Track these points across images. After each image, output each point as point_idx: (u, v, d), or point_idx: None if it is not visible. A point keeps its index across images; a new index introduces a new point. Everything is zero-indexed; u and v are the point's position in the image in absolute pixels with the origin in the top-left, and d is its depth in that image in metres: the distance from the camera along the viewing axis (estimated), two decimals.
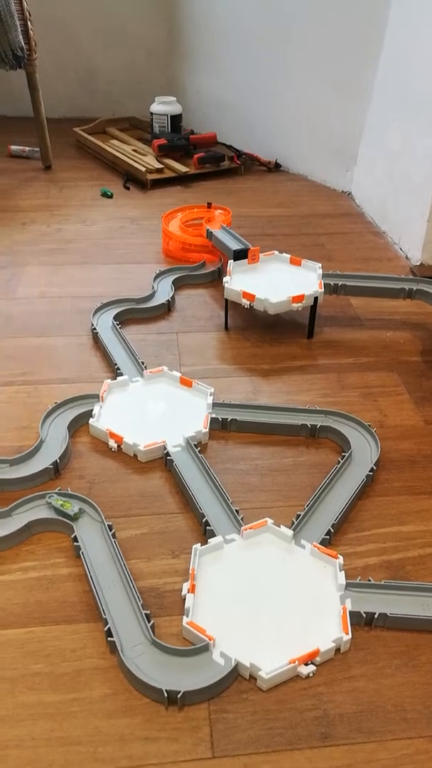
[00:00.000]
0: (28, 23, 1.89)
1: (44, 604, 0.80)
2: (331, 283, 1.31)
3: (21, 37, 1.86)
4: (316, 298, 1.27)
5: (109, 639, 0.74)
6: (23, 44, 1.88)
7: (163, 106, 2.31)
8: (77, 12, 2.48)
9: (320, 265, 1.35)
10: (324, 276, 1.32)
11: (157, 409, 1.12)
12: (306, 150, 2.16)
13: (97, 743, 0.66)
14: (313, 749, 0.66)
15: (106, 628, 0.75)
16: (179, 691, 0.68)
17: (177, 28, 2.47)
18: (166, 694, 0.68)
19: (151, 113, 2.33)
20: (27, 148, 2.26)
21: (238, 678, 0.73)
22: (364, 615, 0.77)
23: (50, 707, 0.69)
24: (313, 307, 1.28)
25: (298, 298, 1.24)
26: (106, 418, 1.08)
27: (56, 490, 0.93)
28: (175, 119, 2.33)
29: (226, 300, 1.31)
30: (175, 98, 2.34)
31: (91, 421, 1.07)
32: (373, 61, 1.80)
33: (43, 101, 2.06)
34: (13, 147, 2.28)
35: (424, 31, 1.55)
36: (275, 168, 2.23)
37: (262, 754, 0.66)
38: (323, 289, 1.28)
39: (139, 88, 2.60)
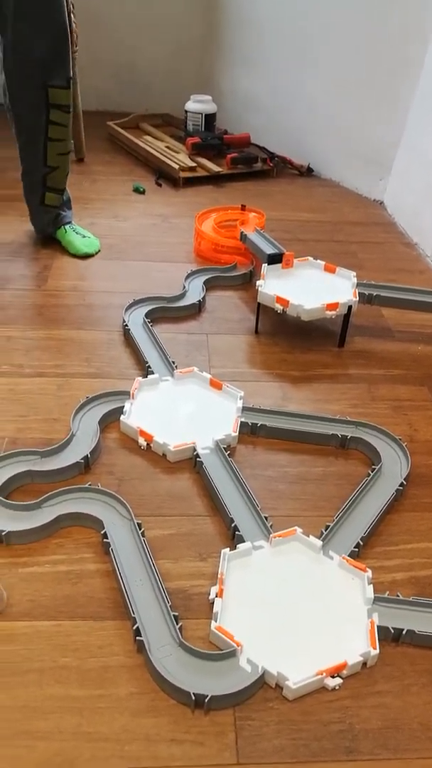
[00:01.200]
0: (72, 16, 1.89)
1: (72, 599, 0.81)
2: (366, 293, 1.31)
3: None
4: (350, 307, 1.27)
5: (137, 638, 0.74)
6: None
7: (198, 105, 2.32)
8: (116, 6, 2.48)
9: (355, 273, 1.34)
10: (358, 285, 1.32)
11: (186, 410, 1.12)
12: (339, 156, 2.15)
13: (124, 741, 0.67)
14: (337, 763, 0.66)
15: (134, 627, 0.75)
16: (206, 695, 0.69)
17: (215, 26, 2.47)
18: (193, 698, 0.69)
19: (186, 111, 2.33)
20: None
21: (264, 686, 0.73)
22: (392, 630, 0.77)
23: (77, 701, 0.70)
24: (347, 316, 1.28)
25: (333, 306, 1.24)
26: (136, 416, 1.08)
27: (87, 484, 0.94)
28: (210, 118, 2.33)
29: (259, 304, 1.31)
30: (210, 97, 2.34)
31: (122, 417, 1.07)
32: (416, 67, 1.78)
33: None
34: None
35: None
36: (307, 172, 2.23)
37: (287, 764, 0.66)
38: (358, 299, 1.27)
39: (174, 84, 2.60)
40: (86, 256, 1.59)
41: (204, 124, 2.32)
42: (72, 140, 1.49)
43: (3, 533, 0.86)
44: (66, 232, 1.61)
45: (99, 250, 1.61)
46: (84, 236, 1.62)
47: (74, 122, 2.11)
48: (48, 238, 1.63)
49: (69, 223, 1.63)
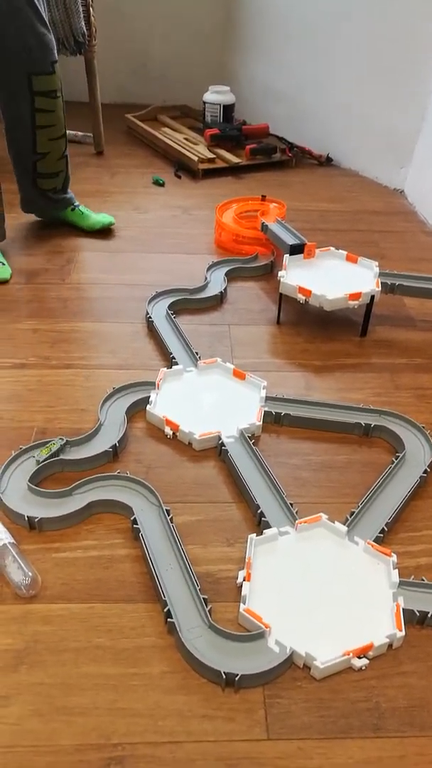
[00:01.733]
0: (90, 10, 1.91)
1: (104, 583, 0.83)
2: (388, 282, 1.31)
3: (83, 23, 1.87)
4: (372, 297, 1.27)
5: (168, 620, 0.77)
6: (85, 30, 1.89)
7: (216, 96, 2.32)
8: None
9: (377, 263, 1.35)
10: (381, 275, 1.32)
11: (211, 400, 1.14)
12: (359, 145, 2.14)
13: (157, 717, 0.69)
14: (365, 739, 0.68)
15: (165, 610, 0.78)
16: (237, 674, 0.71)
17: (233, 16, 2.46)
18: (224, 676, 0.71)
19: (204, 102, 2.34)
20: (80, 133, 2.28)
21: (292, 666, 0.75)
22: (417, 613, 0.79)
23: (112, 679, 0.73)
24: (369, 306, 1.29)
25: (355, 296, 1.25)
26: (162, 406, 1.11)
27: (117, 472, 0.96)
28: (228, 109, 2.34)
29: (281, 294, 1.32)
30: (228, 88, 2.34)
31: (148, 407, 1.09)
32: None
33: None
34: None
35: None
36: (327, 162, 2.22)
37: (315, 740, 0.68)
38: (380, 288, 1.28)
39: (191, 76, 2.60)
40: (111, 224, 1.67)
41: (222, 115, 2.33)
42: (65, 122, 1.51)
43: (36, 520, 0.89)
44: (83, 213, 1.66)
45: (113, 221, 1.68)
46: (96, 214, 1.68)
47: (93, 115, 2.14)
48: (49, 223, 1.68)
49: (77, 204, 1.67)
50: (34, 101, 1.41)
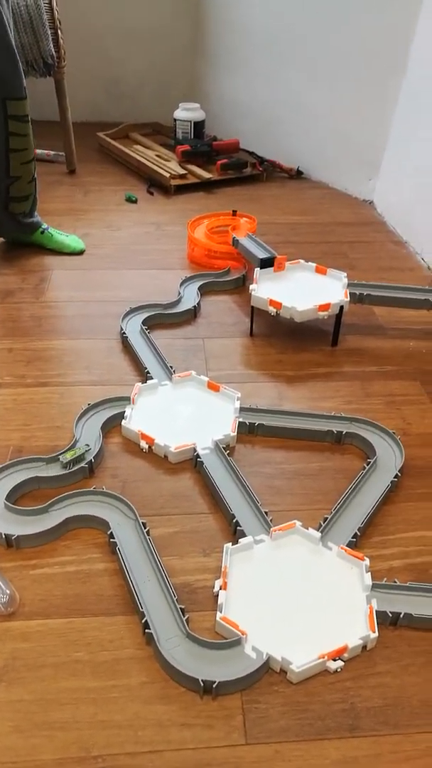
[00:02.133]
0: (59, 32, 1.94)
1: (82, 597, 0.84)
2: (356, 293, 1.34)
3: (51, 45, 1.90)
4: (341, 307, 1.30)
5: (146, 631, 0.78)
6: (53, 53, 1.92)
7: (186, 113, 2.36)
8: (103, 19, 2.53)
9: (345, 274, 1.38)
10: (349, 285, 1.36)
11: (186, 412, 1.16)
12: (328, 158, 2.19)
13: (137, 727, 0.70)
14: (341, 739, 0.70)
15: (143, 621, 0.79)
16: (214, 681, 0.72)
17: (201, 35, 2.51)
18: (202, 684, 0.72)
19: (175, 119, 2.38)
20: (52, 152, 2.30)
21: (269, 671, 0.76)
22: (390, 615, 0.81)
23: (92, 692, 0.73)
24: (339, 316, 1.32)
25: (324, 307, 1.28)
26: (137, 420, 1.12)
27: (92, 488, 0.97)
28: (199, 125, 2.38)
29: (252, 307, 1.35)
30: (198, 105, 2.38)
31: (123, 422, 1.11)
32: (400, 71, 1.82)
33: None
34: (38, 151, 2.32)
35: None
36: (297, 175, 2.27)
37: (293, 743, 0.70)
38: (349, 299, 1.31)
39: (162, 93, 2.64)
40: (81, 252, 1.68)
41: (193, 132, 2.37)
42: (34, 147, 1.54)
43: (13, 537, 0.89)
44: (52, 235, 1.68)
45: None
46: (66, 235, 1.70)
47: (64, 135, 2.16)
48: (18, 243, 1.69)
49: (46, 227, 1.69)
50: (8, 125, 1.44)
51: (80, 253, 1.69)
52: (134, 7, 2.51)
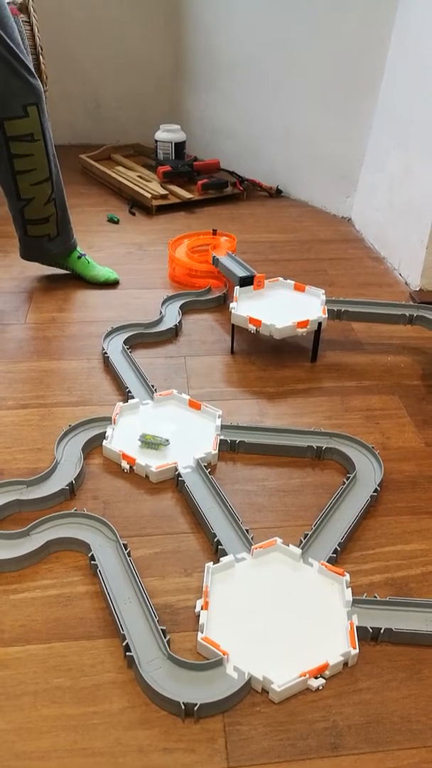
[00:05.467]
0: (41, 57, 1.96)
1: (63, 621, 0.83)
2: (335, 309, 1.36)
3: (34, 70, 1.92)
4: (320, 324, 1.32)
5: (127, 654, 0.77)
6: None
7: (167, 134, 2.39)
8: (84, 44, 2.56)
9: (323, 291, 1.40)
10: (327, 302, 1.37)
11: (167, 431, 1.16)
12: (307, 176, 2.23)
13: (118, 754, 0.70)
14: (323, 759, 0.70)
15: (124, 644, 0.78)
16: (195, 704, 0.72)
17: (182, 57, 2.55)
18: (183, 707, 0.72)
19: (156, 140, 2.41)
20: None
21: (250, 691, 0.76)
22: (371, 630, 0.81)
23: (72, 719, 0.73)
24: (317, 332, 1.33)
25: (303, 324, 1.29)
26: (118, 440, 1.12)
27: (73, 510, 0.97)
28: (179, 146, 2.41)
29: (233, 325, 1.36)
30: (179, 126, 2.41)
31: (104, 443, 1.11)
32: (373, 91, 1.87)
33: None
34: None
35: (422, 62, 1.62)
36: (277, 194, 2.30)
37: (275, 764, 0.69)
38: (327, 315, 1.32)
39: (143, 115, 2.68)
40: (115, 281, 1.66)
41: (174, 153, 2.39)
42: (51, 165, 1.47)
43: None
44: (89, 262, 1.64)
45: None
46: (102, 267, 1.67)
47: None
48: (51, 266, 1.66)
49: (83, 253, 1.65)
50: (9, 147, 1.39)
51: (115, 281, 1.65)
52: (115, 32, 2.56)
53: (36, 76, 1.39)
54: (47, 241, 1.57)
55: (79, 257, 1.65)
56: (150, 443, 1.08)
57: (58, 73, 2.50)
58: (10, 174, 1.44)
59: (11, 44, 1.34)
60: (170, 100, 2.67)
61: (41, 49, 1.96)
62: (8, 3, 1.79)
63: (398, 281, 1.72)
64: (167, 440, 1.08)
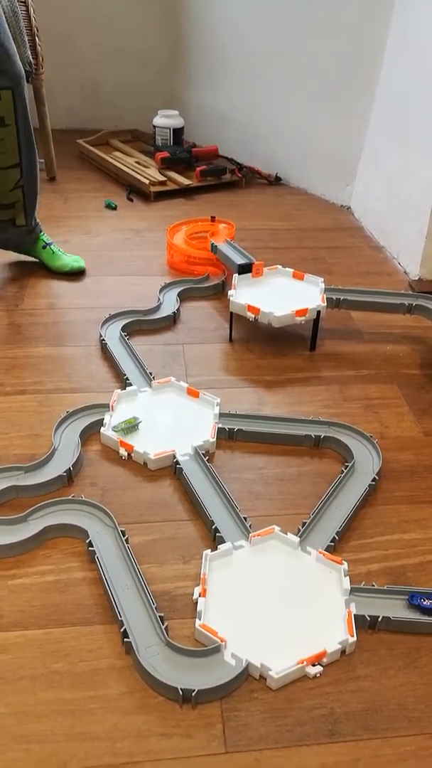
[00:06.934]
0: (36, 39, 1.94)
1: (61, 607, 0.83)
2: (333, 298, 1.35)
3: (29, 52, 1.90)
4: (318, 312, 1.31)
5: (125, 640, 0.77)
6: (31, 59, 1.92)
7: (165, 120, 2.36)
8: (82, 27, 2.53)
9: (323, 279, 1.39)
10: (326, 290, 1.37)
11: (165, 419, 1.15)
12: (306, 164, 2.21)
13: (116, 738, 0.70)
14: (320, 745, 0.70)
15: (122, 630, 0.78)
16: (193, 690, 0.72)
17: (180, 43, 2.52)
18: (181, 693, 0.72)
19: (154, 126, 2.38)
20: None
21: (248, 678, 0.76)
22: (368, 618, 0.81)
23: (70, 704, 0.73)
24: (316, 321, 1.33)
25: (302, 312, 1.29)
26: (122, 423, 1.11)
27: (71, 496, 0.97)
28: (178, 132, 2.38)
29: (231, 313, 1.35)
30: (177, 112, 2.39)
31: (102, 429, 1.10)
32: (372, 81, 1.85)
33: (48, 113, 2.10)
34: None
35: (420, 55, 1.60)
36: (276, 181, 2.28)
37: (272, 750, 0.69)
38: (326, 304, 1.32)
39: (141, 101, 2.65)
40: (80, 270, 1.61)
41: (172, 139, 2.37)
42: (22, 150, 1.42)
43: None
44: (54, 252, 1.61)
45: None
46: (69, 256, 1.64)
47: (44, 141, 2.15)
48: (22, 257, 1.65)
49: (49, 242, 1.62)
50: None
51: (79, 270, 1.61)
52: (114, 17, 2.52)
53: (17, 61, 1.34)
54: (12, 227, 1.53)
55: (44, 246, 1.61)
56: (126, 429, 1.08)
57: (56, 57, 2.46)
58: None
59: None
60: (169, 86, 2.64)
61: (37, 30, 1.94)
62: None
63: (397, 270, 1.72)
64: (136, 418, 1.09)
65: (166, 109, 2.38)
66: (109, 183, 2.22)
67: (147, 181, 2.11)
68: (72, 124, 2.67)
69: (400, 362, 1.34)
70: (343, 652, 0.78)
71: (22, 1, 1.84)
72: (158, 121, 2.37)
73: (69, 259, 1.62)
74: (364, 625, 0.81)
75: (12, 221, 1.52)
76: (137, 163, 2.28)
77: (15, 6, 1.81)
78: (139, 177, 2.14)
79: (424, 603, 0.82)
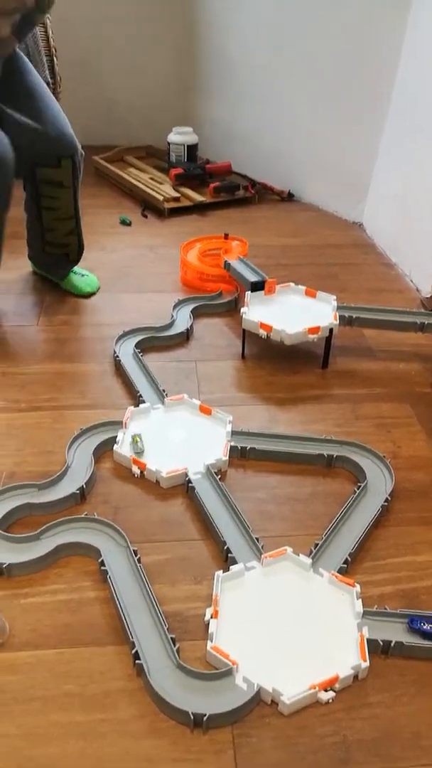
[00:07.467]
0: (54, 59, 1.97)
1: (73, 627, 0.83)
2: (346, 315, 1.35)
3: (48, 73, 1.93)
4: (331, 330, 1.31)
5: (136, 662, 0.77)
6: (50, 80, 1.95)
7: (180, 136, 2.39)
8: (99, 48, 2.56)
9: (335, 297, 1.39)
10: (339, 308, 1.37)
11: (178, 436, 1.16)
12: (318, 181, 2.22)
13: (126, 763, 0.69)
14: None
15: (133, 651, 0.78)
16: (204, 714, 0.72)
17: (193, 61, 2.55)
18: (192, 717, 0.71)
19: (169, 143, 2.41)
20: None
21: (260, 702, 0.76)
22: (381, 643, 0.80)
23: (81, 727, 0.73)
24: (328, 338, 1.33)
25: (314, 330, 1.29)
26: (129, 445, 1.12)
27: (84, 514, 0.97)
28: (192, 149, 2.41)
29: (244, 330, 1.36)
30: (191, 129, 2.41)
31: (115, 447, 1.11)
32: (385, 97, 1.86)
33: None
34: None
35: None
36: (288, 198, 2.29)
37: None
38: (338, 321, 1.32)
39: (156, 117, 2.67)
40: (90, 295, 1.63)
41: (186, 155, 2.39)
42: (76, 208, 1.52)
43: (4, 566, 0.89)
44: (67, 276, 1.64)
45: (99, 287, 1.65)
46: (83, 275, 1.66)
47: None
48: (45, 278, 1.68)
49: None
50: (38, 187, 1.45)
51: (87, 296, 1.62)
52: (128, 34, 2.55)
53: (73, 134, 1.43)
54: (55, 260, 1.61)
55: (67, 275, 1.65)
56: (138, 448, 1.09)
57: (72, 75, 2.49)
58: (37, 206, 1.50)
59: (50, 103, 1.41)
60: (183, 103, 2.67)
61: (55, 51, 1.97)
62: None
63: (409, 288, 1.71)
64: (137, 435, 1.11)
65: (181, 126, 2.41)
66: (124, 199, 2.24)
67: (161, 198, 2.13)
68: (88, 141, 2.68)
69: (412, 381, 1.34)
70: (355, 677, 0.78)
71: (40, 23, 1.88)
72: (173, 137, 2.40)
73: (83, 284, 1.64)
74: (377, 649, 0.81)
75: (66, 255, 1.60)
76: (152, 179, 2.30)
77: (35, 32, 1.85)
78: (153, 193, 2.16)
79: (425, 627, 0.81)
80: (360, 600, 0.85)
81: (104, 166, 2.40)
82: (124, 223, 2.05)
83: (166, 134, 2.41)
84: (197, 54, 2.53)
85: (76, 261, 1.63)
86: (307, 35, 2.04)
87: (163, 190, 2.20)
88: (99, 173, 2.44)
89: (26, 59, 1.38)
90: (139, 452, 1.09)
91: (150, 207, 2.16)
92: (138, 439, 1.10)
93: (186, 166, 2.30)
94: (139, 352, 1.36)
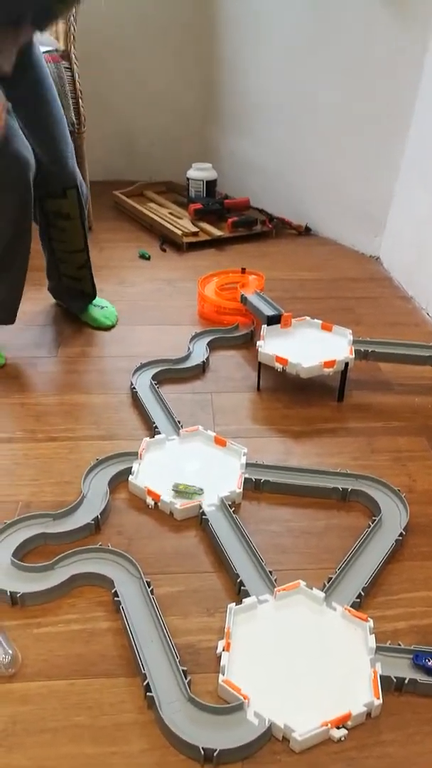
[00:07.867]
0: (80, 101, 2.05)
1: (85, 657, 0.84)
2: (362, 349, 1.37)
3: (73, 114, 2.01)
4: (346, 364, 1.32)
5: (147, 694, 0.77)
6: (74, 119, 2.03)
7: (199, 172, 2.45)
8: (120, 85, 2.66)
9: (350, 331, 1.41)
10: (354, 342, 1.38)
11: (192, 468, 1.17)
12: (336, 215, 2.25)
13: None
14: None
15: (144, 683, 0.78)
16: (215, 750, 0.71)
17: (213, 98, 2.63)
18: (203, 752, 0.71)
19: (188, 178, 2.47)
20: None
21: (271, 738, 0.75)
22: (395, 680, 0.79)
23: (91, 759, 0.73)
24: (344, 372, 1.34)
25: (330, 364, 1.30)
26: (144, 476, 1.13)
27: (98, 545, 0.98)
28: (211, 184, 2.47)
29: (260, 363, 1.37)
30: (210, 165, 2.48)
31: (130, 478, 1.12)
32: (402, 132, 1.90)
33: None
34: None
35: None
36: (305, 232, 2.33)
37: None
38: (354, 355, 1.33)
39: (175, 153, 2.75)
40: (109, 328, 1.66)
41: (205, 190, 2.45)
42: (84, 241, 1.56)
43: (18, 595, 0.90)
44: (86, 309, 1.68)
45: (117, 319, 1.69)
46: (102, 307, 1.70)
47: None
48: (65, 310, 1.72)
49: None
50: (47, 217, 1.50)
51: (106, 329, 1.65)
52: (148, 72, 2.65)
53: (76, 164, 1.47)
54: (82, 295, 1.65)
55: (86, 308, 1.68)
56: (183, 492, 1.08)
57: (95, 116, 2.58)
58: (47, 239, 1.55)
59: (60, 136, 1.43)
60: (202, 139, 2.75)
61: (81, 93, 2.05)
62: (53, 51, 1.90)
63: (426, 321, 1.72)
64: (201, 489, 1.09)
65: (200, 162, 2.48)
66: (143, 233, 2.30)
67: (180, 232, 2.18)
68: (108, 176, 2.78)
69: (428, 414, 1.34)
70: (368, 714, 0.77)
71: (67, 67, 1.96)
72: (192, 173, 2.46)
73: (102, 317, 1.67)
74: (390, 686, 0.80)
75: (80, 291, 1.65)
76: (171, 214, 2.36)
77: (62, 72, 1.93)
78: (172, 228, 2.21)
79: (429, 663, 0.80)
80: (373, 635, 0.84)
81: (123, 200, 2.47)
82: (143, 257, 2.10)
83: (186, 169, 2.47)
84: (218, 90, 2.61)
85: (92, 296, 1.67)
86: (325, 72, 2.10)
87: (182, 224, 2.25)
88: (119, 207, 2.51)
89: (53, 88, 1.41)
90: (194, 492, 1.09)
91: (169, 241, 2.21)
92: (183, 487, 1.10)
93: (205, 201, 2.36)
94: (156, 384, 1.38)
